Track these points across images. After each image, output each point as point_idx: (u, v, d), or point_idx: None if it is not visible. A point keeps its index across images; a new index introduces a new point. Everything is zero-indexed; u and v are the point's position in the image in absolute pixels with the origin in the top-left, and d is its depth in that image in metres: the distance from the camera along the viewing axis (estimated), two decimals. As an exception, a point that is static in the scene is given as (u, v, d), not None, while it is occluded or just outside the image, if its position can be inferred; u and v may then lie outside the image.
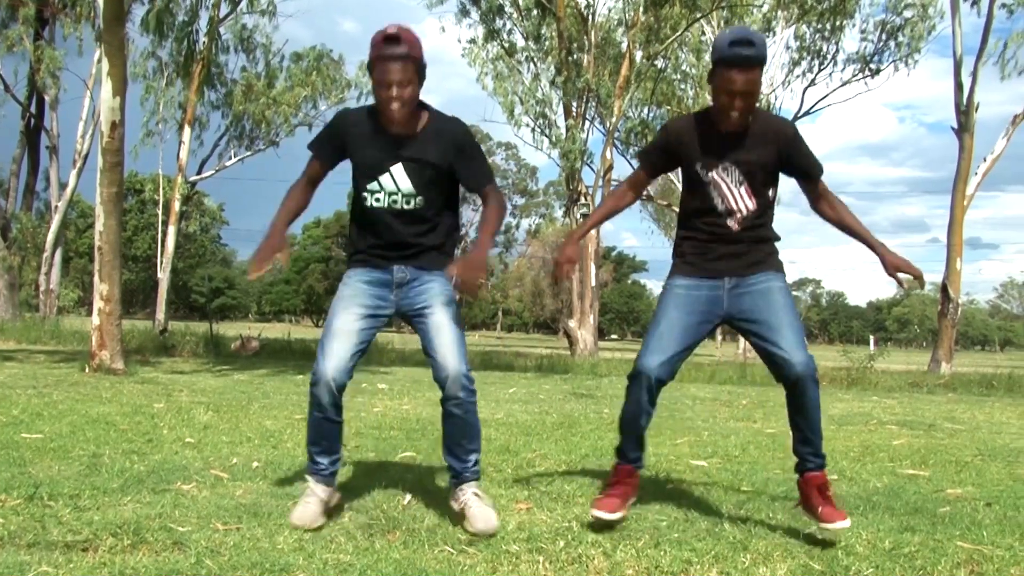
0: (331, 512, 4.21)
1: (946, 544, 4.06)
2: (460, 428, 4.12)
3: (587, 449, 6.72)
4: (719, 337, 67.17)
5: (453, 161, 4.13)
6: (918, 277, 4.22)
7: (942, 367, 22.25)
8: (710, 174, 4.17)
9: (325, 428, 4.17)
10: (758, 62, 3.99)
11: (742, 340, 36.77)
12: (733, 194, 4.15)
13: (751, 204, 4.15)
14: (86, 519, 3.91)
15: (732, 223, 4.17)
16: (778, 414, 10.32)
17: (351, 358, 4.07)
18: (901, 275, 4.27)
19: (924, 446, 7.73)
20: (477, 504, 4.05)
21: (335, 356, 4.04)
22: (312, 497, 4.14)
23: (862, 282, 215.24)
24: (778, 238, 4.35)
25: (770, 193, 4.21)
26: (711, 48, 4.15)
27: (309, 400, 4.15)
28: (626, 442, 4.37)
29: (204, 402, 8.86)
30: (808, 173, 4.27)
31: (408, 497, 4.71)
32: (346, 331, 4.09)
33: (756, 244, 4.23)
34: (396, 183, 4.09)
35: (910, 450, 7.44)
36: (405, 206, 4.10)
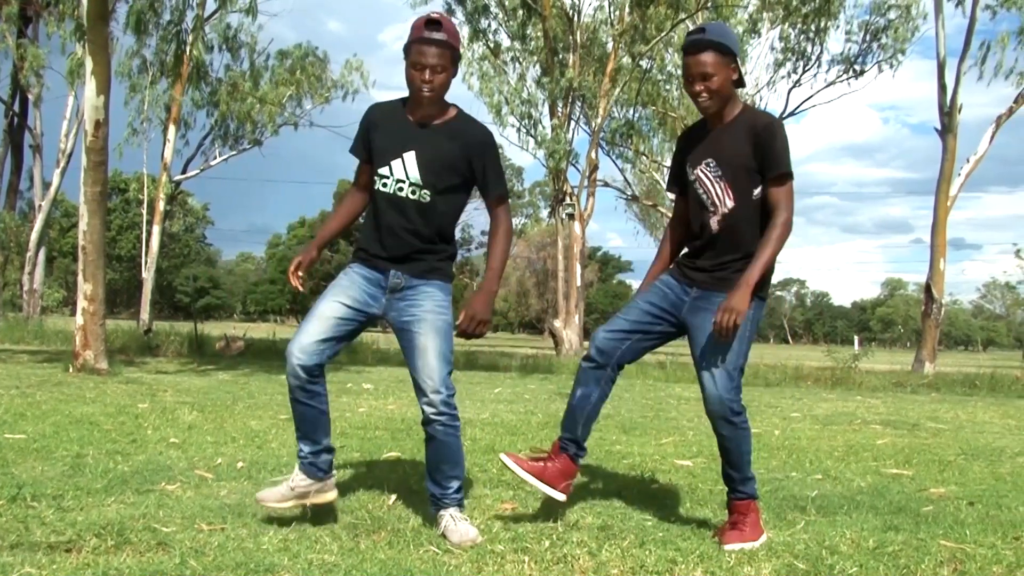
0: (315, 509, 4.18)
1: (929, 543, 4.08)
2: (441, 452, 4.06)
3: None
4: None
5: (471, 161, 4.07)
6: (720, 328, 3.99)
7: (926, 367, 22.33)
8: (695, 171, 4.16)
9: (298, 411, 4.09)
10: (706, 45, 4.00)
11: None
12: (714, 190, 4.11)
13: (730, 202, 4.08)
14: (69, 520, 3.89)
15: (713, 222, 4.12)
16: (762, 414, 10.36)
17: (321, 341, 4.00)
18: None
19: (908, 446, 7.76)
20: (452, 527, 3.96)
21: (305, 334, 4.01)
22: (287, 480, 4.13)
23: (846, 282, 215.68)
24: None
25: (755, 192, 4.05)
26: None
27: None
28: (565, 418, 4.35)
29: (189, 402, 8.83)
30: (764, 166, 4.03)
31: (393, 497, 4.71)
32: (325, 315, 4.04)
33: (733, 253, 4.09)
34: (406, 170, 4.03)
35: (894, 449, 7.47)
36: (410, 195, 4.02)
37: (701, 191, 4.14)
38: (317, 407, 4.11)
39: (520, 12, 27.70)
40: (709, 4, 27.54)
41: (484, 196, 4.18)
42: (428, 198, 4.03)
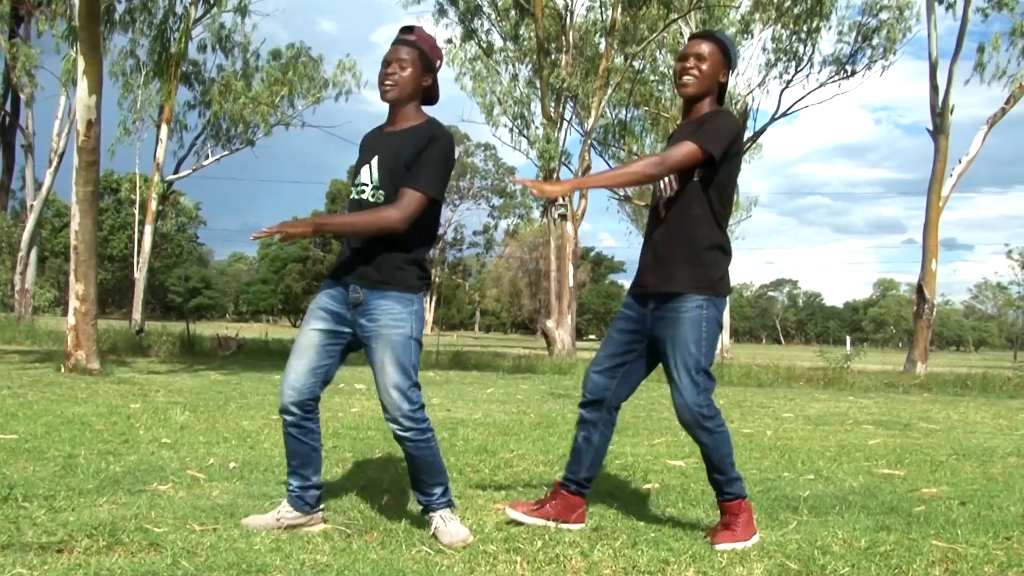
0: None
1: (921, 543, 4.09)
2: (418, 465, 4.03)
3: (564, 449, 6.70)
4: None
5: (414, 159, 3.98)
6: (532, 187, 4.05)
7: (917, 367, 22.38)
8: None
9: (291, 447, 4.09)
10: (712, 38, 4.16)
11: (719, 341, 37.14)
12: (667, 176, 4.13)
13: (675, 185, 4.09)
14: (61, 520, 3.88)
15: (661, 208, 4.15)
16: (755, 414, 10.38)
17: (310, 374, 3.99)
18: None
19: (899, 446, 7.78)
20: (442, 528, 3.96)
21: (292, 372, 4.00)
22: (274, 512, 4.11)
23: (839, 283, 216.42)
24: (718, 246, 4.12)
25: (695, 176, 4.03)
26: None
27: None
28: (570, 461, 4.39)
29: (181, 402, 8.82)
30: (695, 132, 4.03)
31: (386, 498, 4.71)
32: (305, 348, 4.02)
33: (680, 240, 4.07)
34: (371, 174, 4.02)
35: (886, 450, 7.49)
36: (371, 199, 3.99)
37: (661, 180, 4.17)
38: (310, 444, 4.09)
39: (512, 13, 27.73)
40: (702, 4, 27.55)
41: (405, 182, 3.96)
42: (383, 199, 3.97)
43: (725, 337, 36.50)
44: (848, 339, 56.71)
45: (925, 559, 3.82)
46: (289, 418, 4.01)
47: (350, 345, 4.08)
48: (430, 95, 4.14)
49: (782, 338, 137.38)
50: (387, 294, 3.94)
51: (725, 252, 4.13)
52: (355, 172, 4.11)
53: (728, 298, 4.30)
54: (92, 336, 12.58)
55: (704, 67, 4.09)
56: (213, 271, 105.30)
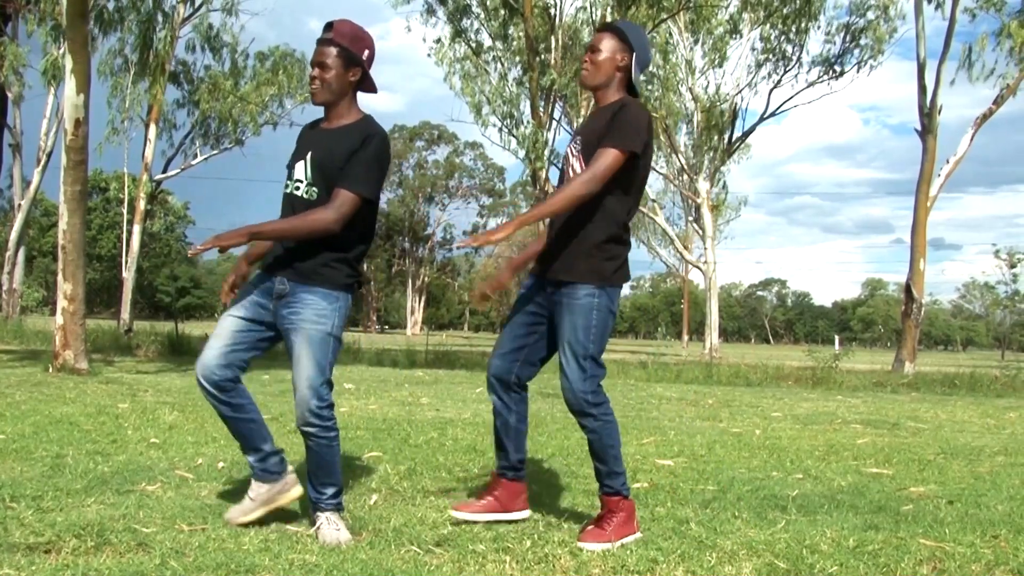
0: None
1: (909, 542, 4.10)
2: (315, 461, 4.05)
3: (554, 448, 6.74)
4: (685, 337, 67.50)
5: (348, 158, 4.00)
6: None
7: (906, 367, 22.43)
8: (567, 148, 4.30)
9: (230, 427, 4.17)
10: (610, 28, 4.24)
11: (708, 340, 36.89)
12: (571, 164, 4.19)
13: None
14: (49, 520, 3.87)
15: None
16: (744, 413, 10.40)
17: (223, 356, 4.04)
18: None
19: (888, 445, 7.80)
20: (325, 528, 3.96)
21: (207, 352, 4.06)
22: (247, 494, 4.17)
23: (827, 282, 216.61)
24: (615, 238, 4.15)
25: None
26: None
27: None
28: (496, 448, 4.42)
29: (169, 402, 8.80)
30: (606, 135, 4.07)
31: (375, 497, 4.71)
32: (223, 331, 4.08)
33: (579, 231, 4.10)
34: (305, 171, 4.03)
35: (874, 449, 7.51)
36: (304, 195, 4.01)
37: (566, 167, 4.24)
38: (246, 417, 4.15)
39: (502, 12, 27.69)
40: (690, 4, 27.61)
41: (337, 183, 3.95)
42: (316, 196, 3.99)
43: (714, 336, 36.51)
44: (836, 338, 56.91)
45: (913, 558, 3.83)
46: (211, 399, 4.10)
47: (271, 338, 4.14)
48: (365, 87, 4.15)
49: (771, 337, 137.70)
50: (314, 290, 3.98)
51: (623, 243, 4.18)
52: (291, 165, 4.12)
53: (623, 287, 4.29)
54: (80, 336, 12.55)
55: (598, 57, 4.19)
56: (202, 271, 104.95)
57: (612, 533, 3.97)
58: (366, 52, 4.09)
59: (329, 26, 4.06)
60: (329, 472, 4.05)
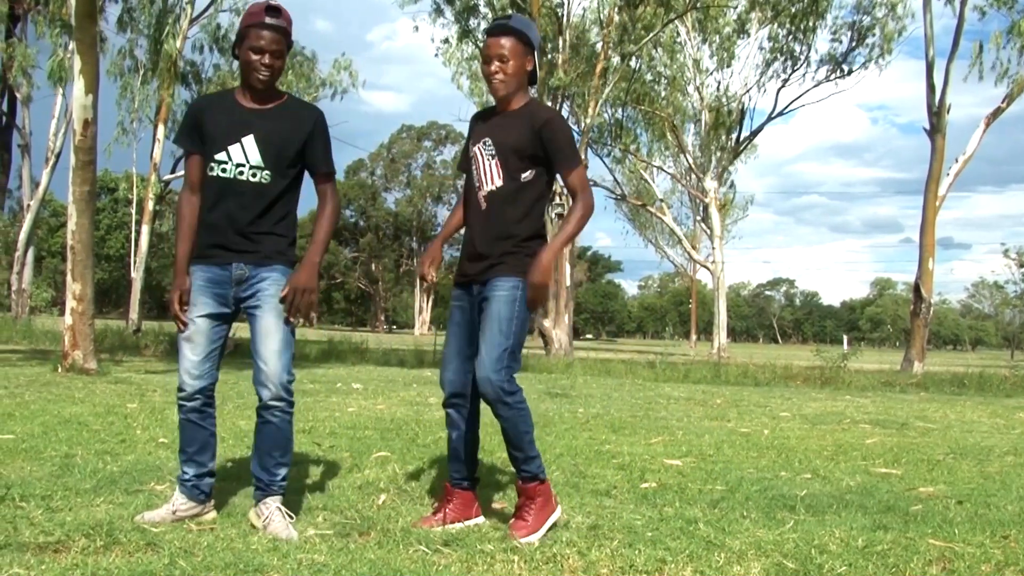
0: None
1: (918, 542, 4.09)
2: (274, 438, 4.07)
3: (562, 448, 6.73)
4: (693, 337, 67.45)
5: (305, 141, 4.13)
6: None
7: (914, 366, 22.40)
8: (473, 148, 4.31)
9: (188, 433, 4.19)
10: (509, 30, 4.20)
11: (716, 339, 36.79)
12: (484, 167, 4.23)
13: (498, 180, 4.19)
14: (58, 520, 3.88)
15: (481, 198, 4.23)
16: (752, 413, 10.38)
17: (204, 360, 4.14)
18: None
19: (896, 445, 7.78)
20: (280, 520, 3.97)
21: (187, 361, 4.13)
22: (168, 504, 4.13)
23: (835, 282, 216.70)
24: (537, 235, 4.26)
25: (524, 176, 4.19)
26: None
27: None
28: (449, 461, 4.45)
29: (178, 402, 8.79)
30: (555, 161, 4.21)
31: (383, 497, 4.71)
32: (193, 335, 4.12)
33: (502, 232, 4.19)
34: (245, 154, 4.05)
35: (883, 449, 7.49)
36: (251, 178, 4.05)
37: (475, 168, 4.29)
38: (209, 428, 4.24)
39: (510, 12, 27.68)
40: (698, 4, 27.57)
41: (312, 174, 4.22)
42: (268, 179, 4.06)
43: (722, 336, 36.43)
44: (845, 338, 56.72)
45: (922, 558, 3.82)
46: (191, 404, 4.15)
47: (230, 324, 4.24)
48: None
49: (779, 337, 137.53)
50: (275, 267, 4.08)
51: (543, 238, 4.27)
52: (214, 145, 4.09)
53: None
54: (89, 336, 12.57)
55: (508, 67, 4.19)
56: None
57: (535, 521, 4.08)
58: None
59: (277, 11, 4.08)
60: (285, 450, 4.12)
